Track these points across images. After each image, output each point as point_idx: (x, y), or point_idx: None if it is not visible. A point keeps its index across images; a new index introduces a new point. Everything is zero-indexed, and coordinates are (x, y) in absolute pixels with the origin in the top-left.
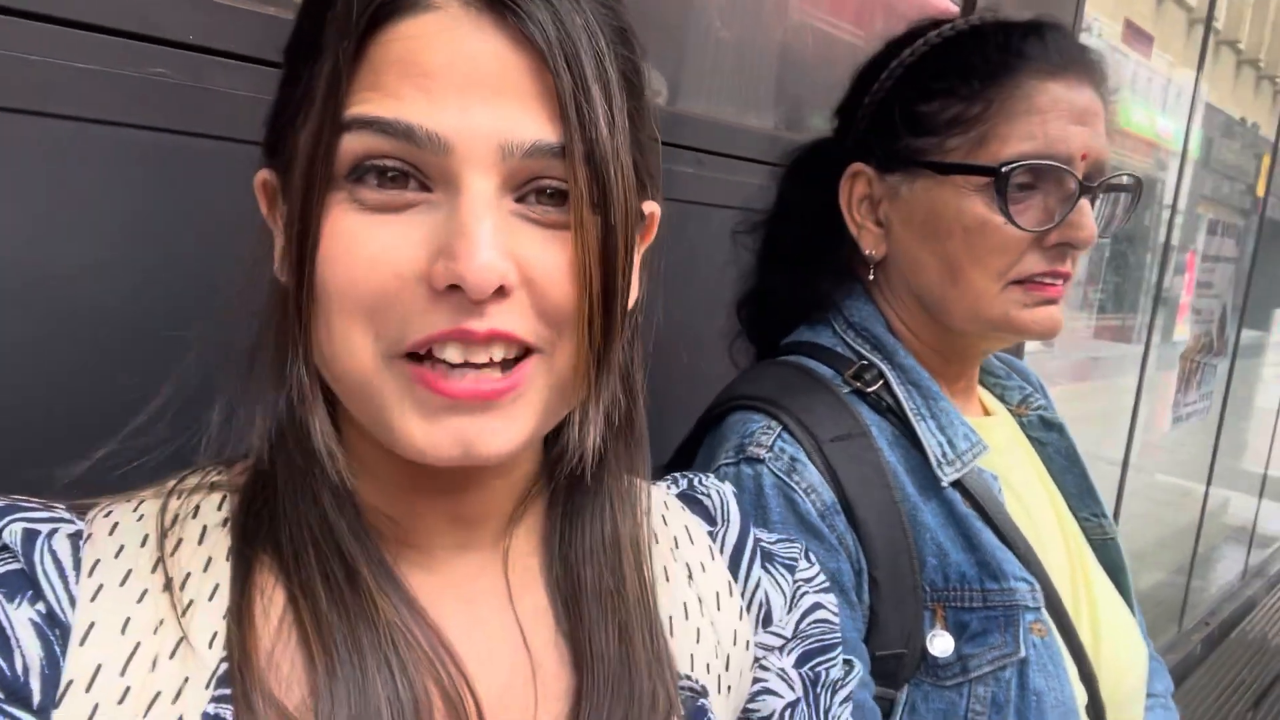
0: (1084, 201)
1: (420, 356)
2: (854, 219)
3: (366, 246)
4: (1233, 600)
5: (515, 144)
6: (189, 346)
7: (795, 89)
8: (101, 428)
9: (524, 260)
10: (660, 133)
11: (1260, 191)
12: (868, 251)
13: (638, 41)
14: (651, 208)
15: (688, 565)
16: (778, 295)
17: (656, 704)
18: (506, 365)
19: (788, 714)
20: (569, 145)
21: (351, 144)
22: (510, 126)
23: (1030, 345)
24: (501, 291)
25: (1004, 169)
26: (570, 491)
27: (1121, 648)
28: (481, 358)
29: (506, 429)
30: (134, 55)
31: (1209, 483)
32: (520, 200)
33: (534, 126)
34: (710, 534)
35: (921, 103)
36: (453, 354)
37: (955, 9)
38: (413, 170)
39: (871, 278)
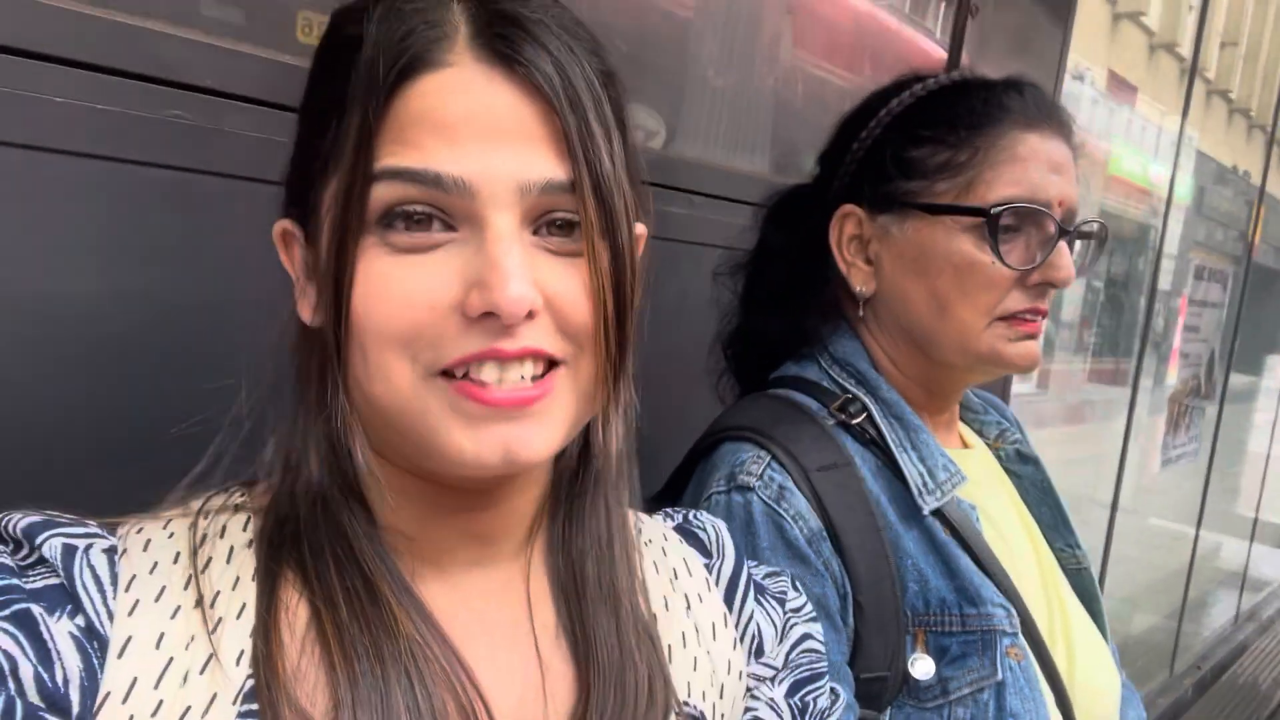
0: (1062, 244)
1: (455, 375)
2: (844, 257)
3: (401, 284)
4: (1225, 644)
5: (532, 183)
6: (209, 376)
7: (787, 134)
8: (117, 452)
9: (545, 287)
10: (657, 175)
11: (1252, 236)
12: (858, 288)
13: (622, 84)
14: (640, 229)
15: (686, 596)
16: (765, 333)
17: (655, 695)
18: (535, 379)
19: None
20: (578, 180)
21: (381, 193)
22: (526, 168)
23: (1023, 388)
24: (529, 315)
25: (993, 210)
26: (574, 496)
27: (1096, 673)
28: (515, 374)
29: (541, 434)
30: (153, 98)
31: (1199, 526)
32: (535, 233)
33: (546, 166)
34: (706, 566)
35: (911, 148)
36: (489, 373)
37: (942, 53)
38: (438, 213)
39: (860, 314)
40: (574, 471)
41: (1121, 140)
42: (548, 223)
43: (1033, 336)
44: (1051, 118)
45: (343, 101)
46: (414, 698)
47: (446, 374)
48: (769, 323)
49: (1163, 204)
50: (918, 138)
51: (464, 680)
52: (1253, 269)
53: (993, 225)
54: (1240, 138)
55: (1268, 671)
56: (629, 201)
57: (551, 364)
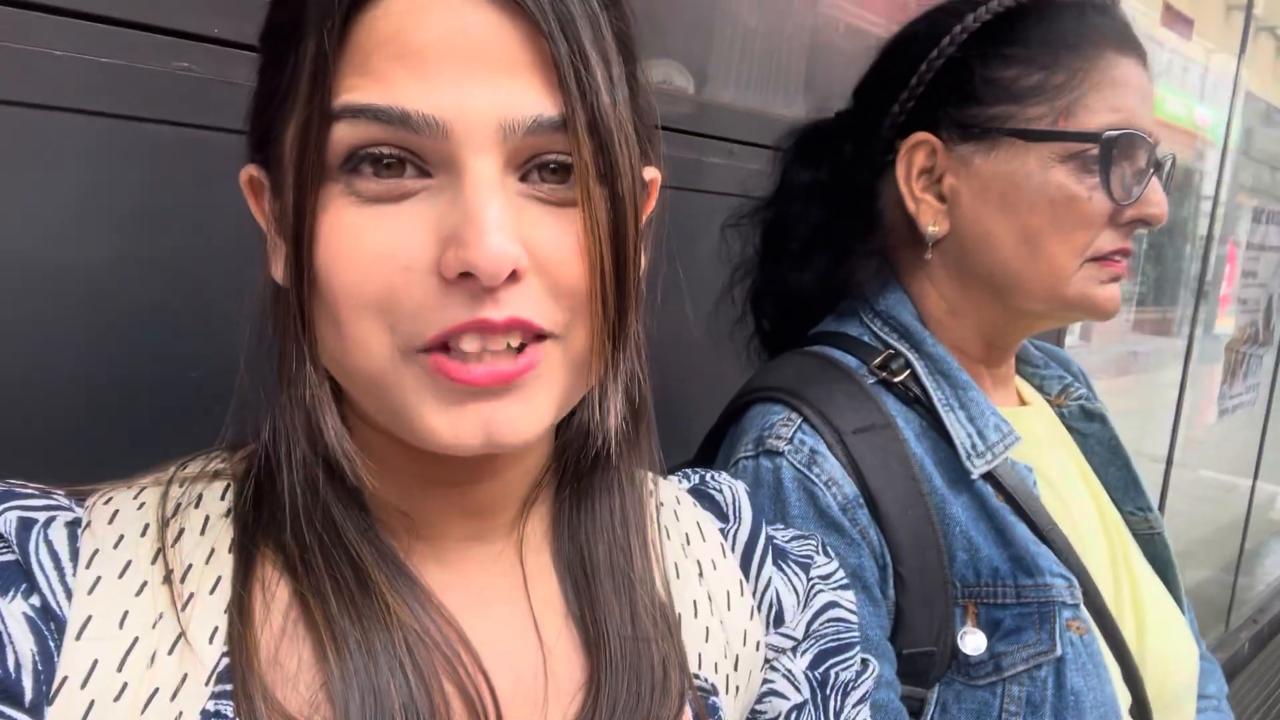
0: (1155, 178)
1: (435, 348)
2: (913, 193)
3: (371, 242)
4: None
5: (516, 121)
6: (212, 335)
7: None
8: (122, 413)
9: (533, 243)
10: (691, 122)
11: None
12: (929, 228)
13: (629, 6)
14: (652, 174)
15: (698, 563)
16: (798, 288)
17: (669, 684)
18: (519, 349)
19: (793, 716)
20: (571, 117)
21: (343, 134)
22: (509, 103)
23: (1067, 340)
24: (514, 276)
25: (1106, 136)
26: (580, 473)
27: (1168, 647)
28: (499, 345)
29: (526, 413)
30: (159, 50)
31: (1255, 477)
32: (524, 179)
33: (534, 100)
34: (721, 531)
35: (997, 68)
36: (470, 343)
37: None
38: (410, 156)
39: (927, 256)
40: (580, 447)
41: (1164, 80)
42: (538, 166)
43: (1118, 279)
44: (1136, 43)
45: (299, 25)
46: (409, 693)
47: (426, 348)
48: (801, 276)
49: (1207, 146)
50: (1004, 56)
51: (467, 665)
52: None
53: (1106, 154)
54: None
55: None
56: (631, 142)
57: (539, 337)
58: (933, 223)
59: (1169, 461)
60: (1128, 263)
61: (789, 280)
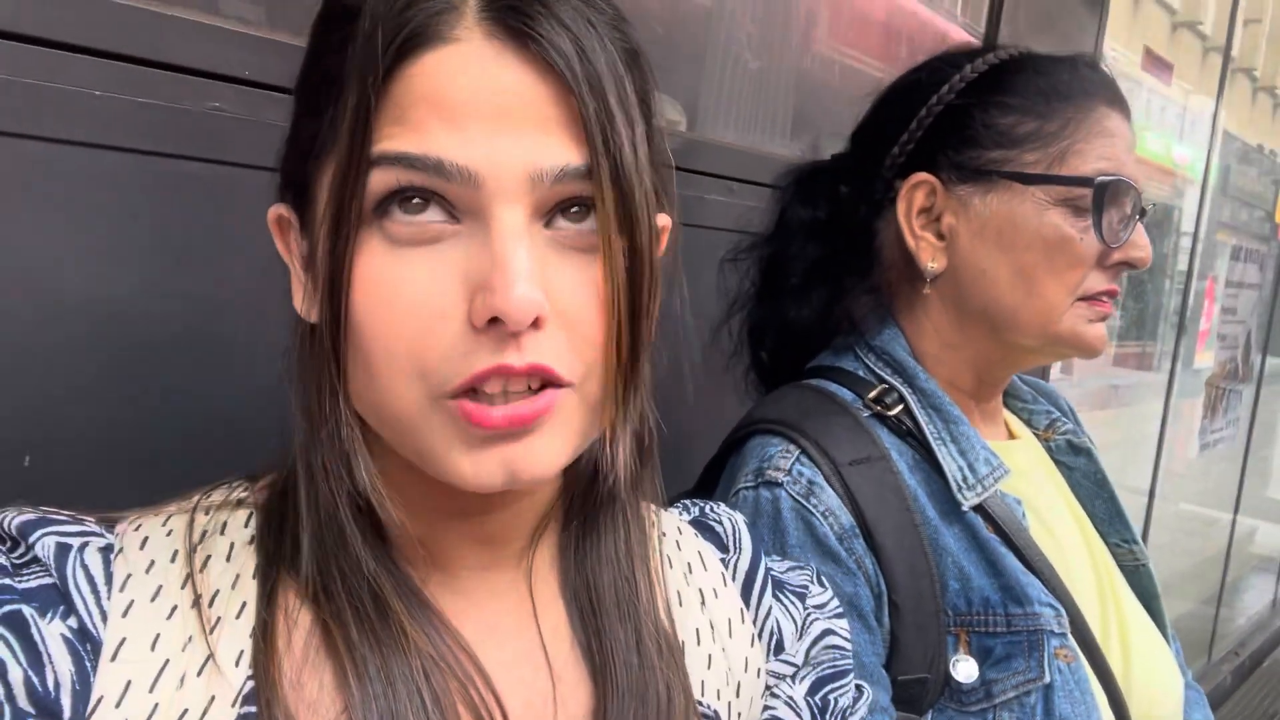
0: (1140, 224)
1: (461, 394)
2: (913, 231)
3: (406, 290)
4: (1263, 630)
5: (544, 171)
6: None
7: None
8: (153, 450)
9: (555, 290)
10: (690, 160)
11: (1279, 218)
12: (927, 264)
13: (649, 64)
14: (664, 221)
15: (700, 591)
16: (796, 323)
17: (674, 710)
18: (538, 390)
19: None
20: (596, 168)
21: (379, 179)
22: (538, 155)
23: (1050, 373)
24: (536, 323)
25: (1099, 181)
26: (585, 505)
27: (1154, 675)
28: (519, 386)
29: (544, 451)
30: (193, 90)
31: (1236, 511)
32: (548, 224)
33: (561, 152)
34: (722, 561)
35: (995, 115)
36: (493, 385)
37: (973, 39)
38: (439, 199)
39: (926, 291)
40: (589, 482)
41: (1143, 119)
42: (561, 209)
43: (1105, 318)
44: (1123, 99)
45: (339, 79)
46: (426, 715)
47: (453, 394)
48: (799, 310)
49: (1186, 184)
50: (1002, 104)
51: (483, 692)
52: None
53: (1098, 198)
54: (1265, 116)
55: None
56: (650, 195)
57: (558, 384)
58: (932, 259)
59: (1151, 494)
60: (1113, 304)
61: (787, 315)
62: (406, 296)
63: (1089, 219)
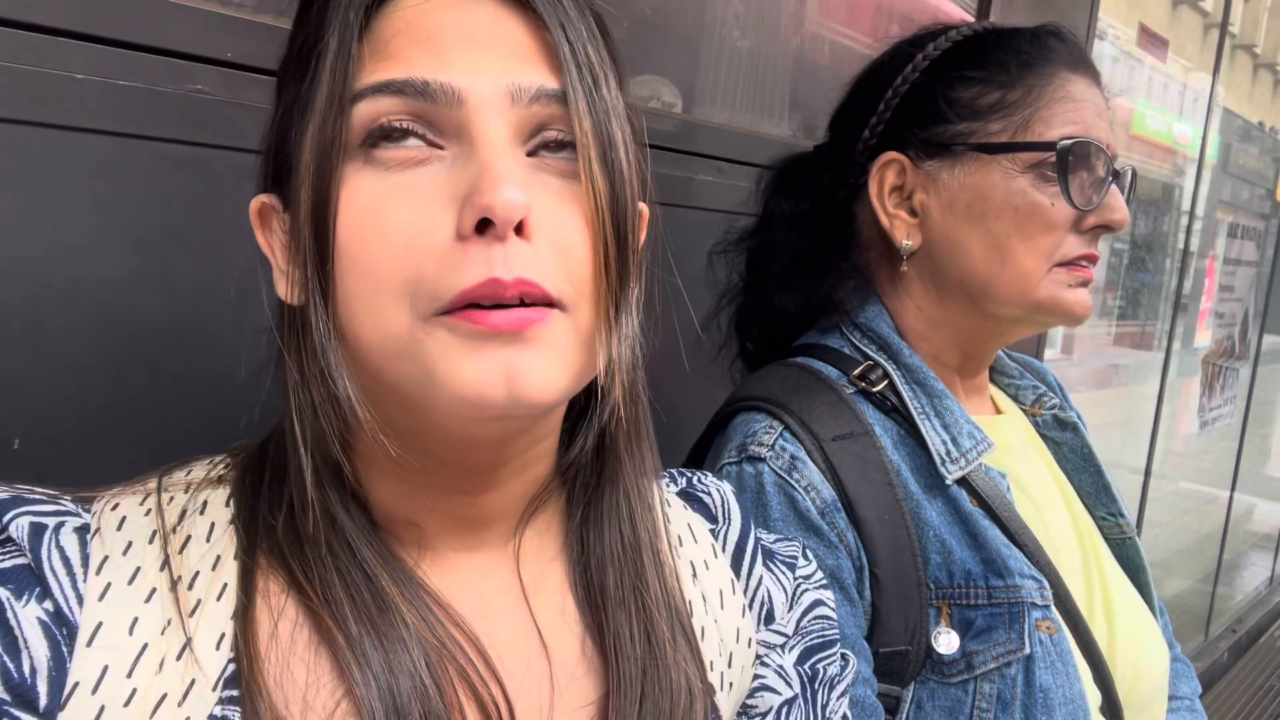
0: (1114, 185)
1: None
2: (885, 210)
3: (392, 212)
4: (1260, 607)
5: (522, 88)
6: (219, 348)
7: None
8: (138, 434)
9: (540, 211)
10: (681, 141)
11: None
12: (902, 242)
13: (613, 39)
14: (643, 208)
15: (691, 564)
16: (782, 311)
17: (694, 696)
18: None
19: (784, 710)
20: (572, 93)
21: (363, 111)
22: (516, 75)
23: (1048, 353)
24: (523, 232)
25: (1061, 145)
26: (588, 495)
27: (1139, 647)
28: (512, 303)
29: (544, 368)
30: (174, 73)
31: (1233, 489)
32: (530, 154)
33: (538, 74)
34: (712, 532)
35: (958, 89)
36: (484, 299)
37: (968, 16)
38: (424, 126)
39: (903, 269)
40: (590, 467)
41: (1144, 98)
42: (543, 143)
43: (1087, 284)
44: (1088, 63)
45: (321, 34)
46: (427, 697)
47: (444, 312)
48: (784, 298)
49: (1187, 162)
50: (965, 78)
51: (480, 670)
52: None
53: (1062, 161)
54: (1266, 93)
55: None
56: (625, 129)
57: (548, 305)
58: (906, 236)
59: (1147, 473)
60: (1093, 268)
61: (773, 302)
62: (394, 215)
63: (1057, 184)
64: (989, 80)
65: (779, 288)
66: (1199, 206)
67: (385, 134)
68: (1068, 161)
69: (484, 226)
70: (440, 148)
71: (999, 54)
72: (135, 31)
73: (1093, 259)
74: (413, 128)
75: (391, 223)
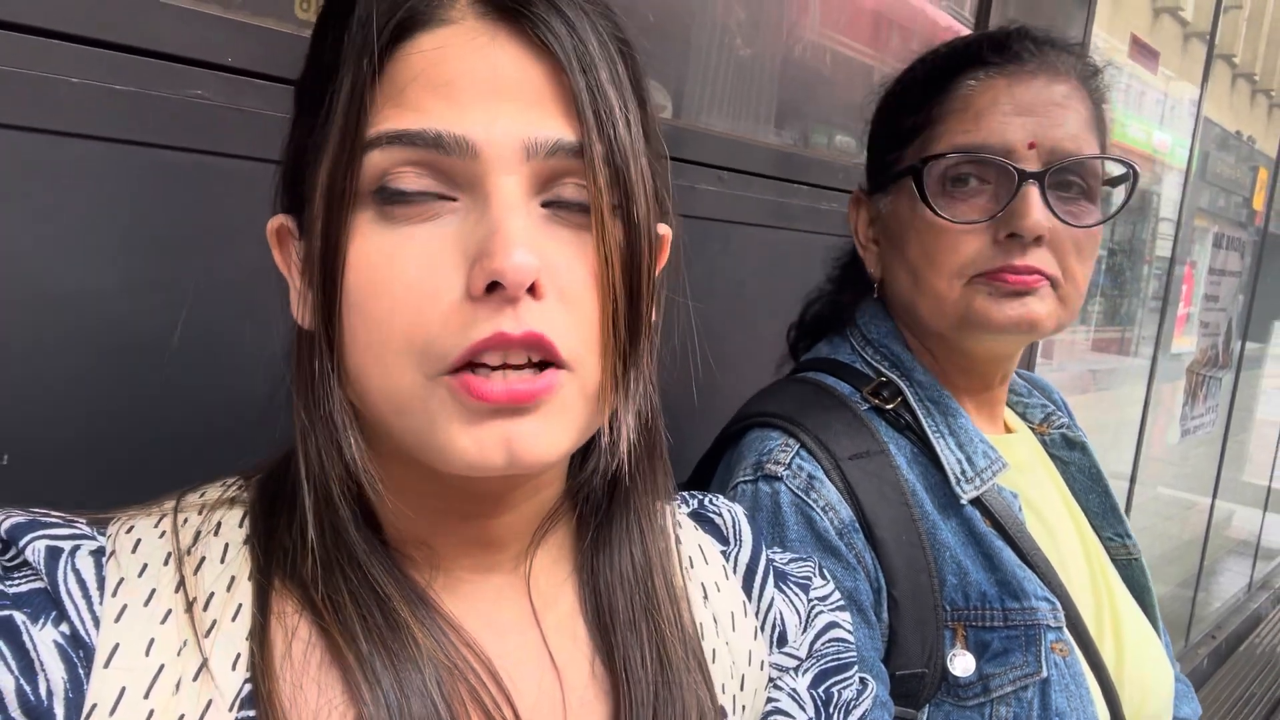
0: (1029, 190)
1: (459, 369)
2: (860, 241)
3: (401, 268)
4: (1239, 614)
5: (539, 143)
6: (220, 360)
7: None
8: (137, 443)
9: (552, 268)
10: (678, 149)
11: (1258, 205)
12: (870, 271)
13: (639, 56)
14: (664, 230)
15: (703, 585)
16: (815, 316)
17: (705, 717)
18: (541, 367)
19: None
20: (588, 145)
21: (377, 160)
22: (532, 128)
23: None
24: (534, 292)
25: (921, 163)
26: (598, 518)
27: (1146, 668)
28: (519, 359)
29: (545, 433)
30: (173, 77)
31: (1214, 496)
32: (545, 205)
33: (555, 127)
34: (723, 554)
35: (890, 121)
36: (492, 358)
37: (962, 28)
38: (436, 177)
39: (875, 296)
40: (595, 474)
41: (1122, 106)
42: (559, 199)
43: (1021, 294)
44: (1033, 59)
45: (336, 69)
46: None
47: (451, 370)
48: (817, 306)
49: (1166, 170)
50: (895, 108)
51: (492, 691)
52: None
53: (918, 179)
54: (1244, 102)
55: None
56: (647, 176)
57: (556, 365)
58: (873, 266)
59: (1132, 479)
60: (1040, 278)
61: (808, 309)
62: (403, 273)
63: (963, 202)
64: (911, 106)
65: (817, 298)
66: (1177, 213)
67: (399, 191)
68: (923, 178)
69: (494, 287)
70: (453, 199)
71: (920, 77)
72: (133, 34)
73: (1017, 269)
74: (425, 188)
75: (400, 282)
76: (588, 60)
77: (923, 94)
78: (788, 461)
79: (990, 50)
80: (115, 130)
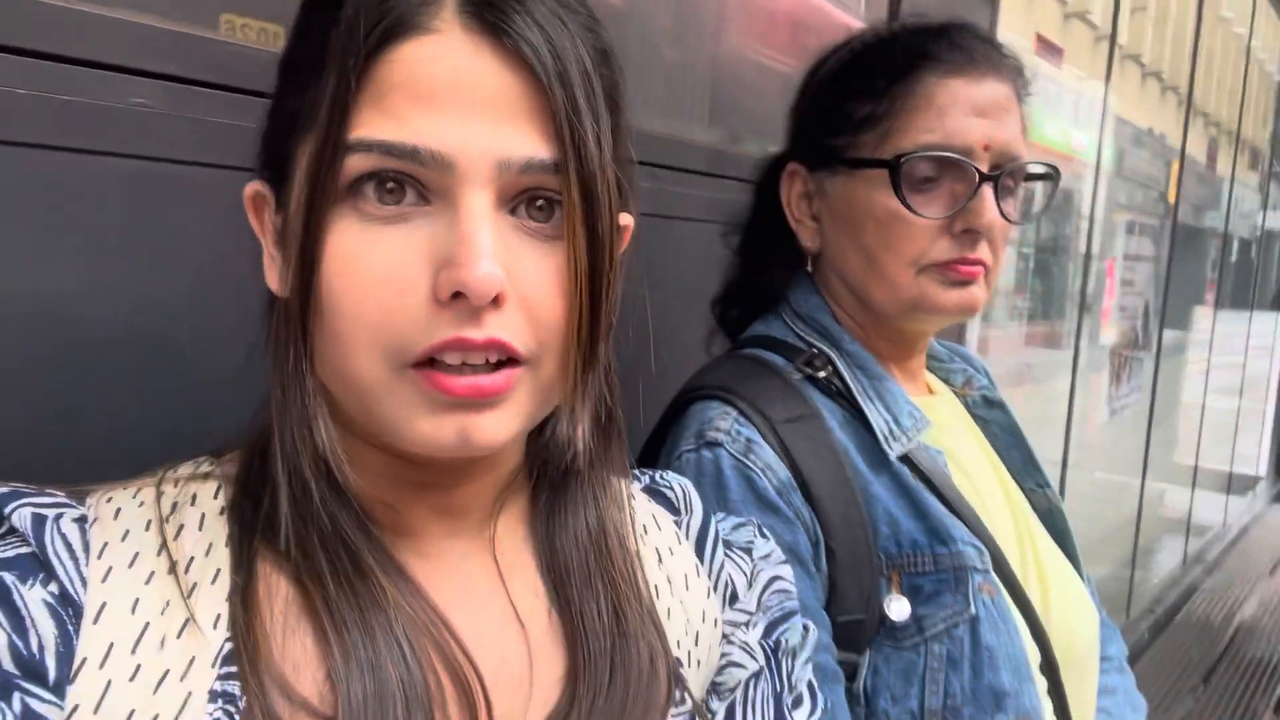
0: (985, 189)
1: (422, 364)
2: (793, 215)
3: (371, 265)
4: (1175, 587)
5: (512, 160)
6: (178, 356)
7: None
8: (100, 448)
9: (516, 273)
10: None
11: (1171, 198)
12: (806, 244)
13: (617, 61)
14: (626, 219)
15: (657, 550)
16: (738, 291)
17: (656, 669)
18: (499, 365)
19: (751, 683)
20: (563, 162)
21: (356, 163)
22: (507, 145)
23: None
24: (497, 301)
25: (899, 160)
26: (554, 485)
27: (1071, 610)
28: (478, 359)
29: (498, 423)
30: (117, 86)
31: (1144, 476)
32: (513, 212)
33: (529, 144)
34: (675, 522)
35: (840, 103)
36: (452, 358)
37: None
38: (411, 184)
39: (810, 269)
40: (552, 457)
41: (1039, 106)
42: (527, 201)
43: (967, 283)
44: (983, 59)
45: (321, 60)
46: (405, 669)
47: (415, 364)
48: (740, 280)
49: (1085, 169)
50: (844, 93)
51: (453, 649)
52: (1178, 228)
53: (895, 175)
54: (1154, 100)
55: (1217, 610)
56: (612, 189)
57: (515, 361)
58: (809, 240)
59: (1064, 465)
60: (983, 268)
61: (730, 283)
62: (375, 271)
63: (919, 193)
64: (866, 92)
65: (738, 271)
66: (1098, 210)
67: (377, 180)
68: (900, 175)
69: (459, 296)
70: (427, 203)
71: (876, 64)
72: (78, 47)
73: (968, 261)
74: (403, 181)
75: (371, 278)
76: (565, 77)
77: (882, 83)
78: (727, 428)
79: (948, 47)
80: (63, 139)
